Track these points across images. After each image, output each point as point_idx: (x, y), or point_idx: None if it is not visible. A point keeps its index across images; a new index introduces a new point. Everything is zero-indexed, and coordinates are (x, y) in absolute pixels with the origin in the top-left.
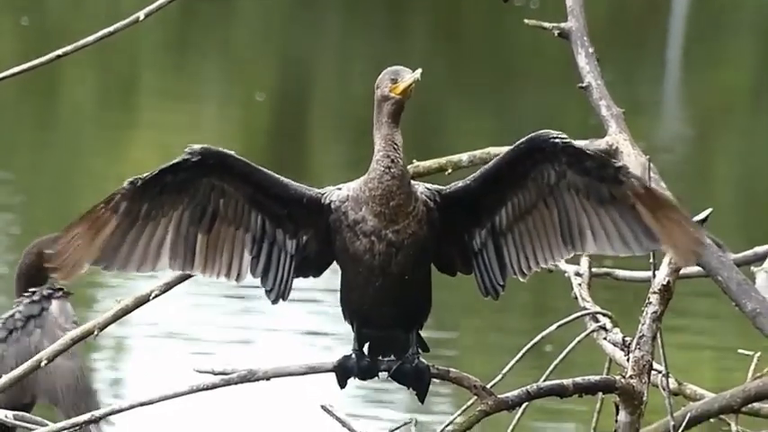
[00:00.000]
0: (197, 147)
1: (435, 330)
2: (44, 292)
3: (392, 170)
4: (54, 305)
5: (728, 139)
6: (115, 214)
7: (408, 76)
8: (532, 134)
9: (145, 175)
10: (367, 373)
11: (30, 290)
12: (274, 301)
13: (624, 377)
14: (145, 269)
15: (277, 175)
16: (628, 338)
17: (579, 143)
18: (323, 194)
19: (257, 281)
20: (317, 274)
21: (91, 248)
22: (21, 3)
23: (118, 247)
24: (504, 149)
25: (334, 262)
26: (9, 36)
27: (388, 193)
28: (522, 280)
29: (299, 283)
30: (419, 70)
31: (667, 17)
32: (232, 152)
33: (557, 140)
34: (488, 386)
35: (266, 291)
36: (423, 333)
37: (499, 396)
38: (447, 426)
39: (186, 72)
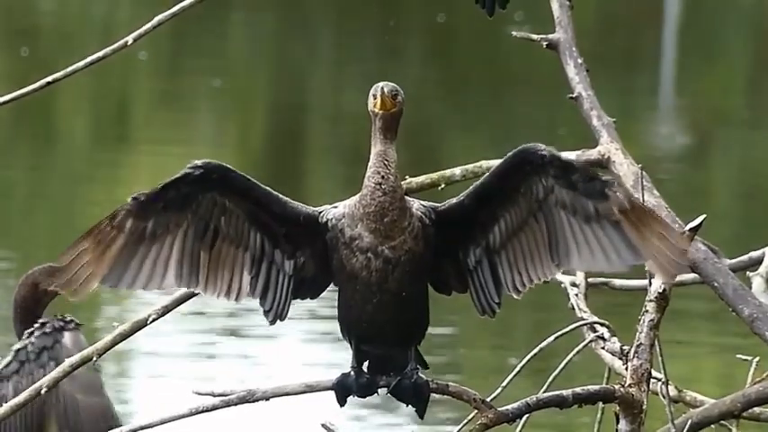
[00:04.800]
0: (199, 161)
1: (434, 347)
2: (56, 324)
3: (383, 186)
4: (67, 337)
5: (724, 144)
6: (122, 233)
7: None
8: (521, 147)
9: (148, 190)
10: (366, 390)
11: (40, 321)
12: (272, 322)
13: (623, 386)
14: (152, 287)
15: (276, 193)
16: (626, 347)
17: (569, 155)
18: (320, 213)
19: (255, 301)
20: (314, 296)
21: (100, 265)
22: (21, 33)
23: (126, 265)
24: (497, 162)
25: (331, 284)
26: (9, 67)
27: (381, 210)
28: (516, 297)
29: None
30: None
31: (660, 24)
32: (232, 168)
33: (544, 153)
34: (488, 399)
35: (264, 311)
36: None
37: (499, 409)
38: None
39: (178, 100)
